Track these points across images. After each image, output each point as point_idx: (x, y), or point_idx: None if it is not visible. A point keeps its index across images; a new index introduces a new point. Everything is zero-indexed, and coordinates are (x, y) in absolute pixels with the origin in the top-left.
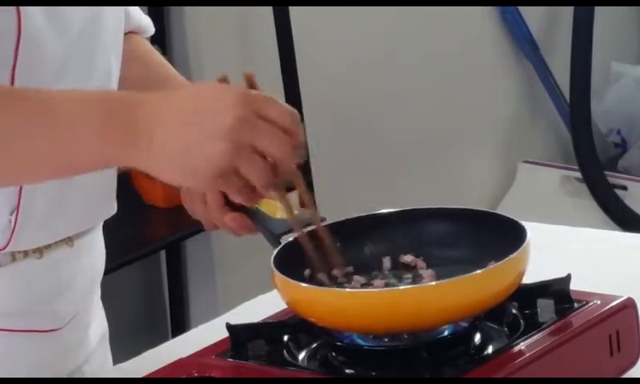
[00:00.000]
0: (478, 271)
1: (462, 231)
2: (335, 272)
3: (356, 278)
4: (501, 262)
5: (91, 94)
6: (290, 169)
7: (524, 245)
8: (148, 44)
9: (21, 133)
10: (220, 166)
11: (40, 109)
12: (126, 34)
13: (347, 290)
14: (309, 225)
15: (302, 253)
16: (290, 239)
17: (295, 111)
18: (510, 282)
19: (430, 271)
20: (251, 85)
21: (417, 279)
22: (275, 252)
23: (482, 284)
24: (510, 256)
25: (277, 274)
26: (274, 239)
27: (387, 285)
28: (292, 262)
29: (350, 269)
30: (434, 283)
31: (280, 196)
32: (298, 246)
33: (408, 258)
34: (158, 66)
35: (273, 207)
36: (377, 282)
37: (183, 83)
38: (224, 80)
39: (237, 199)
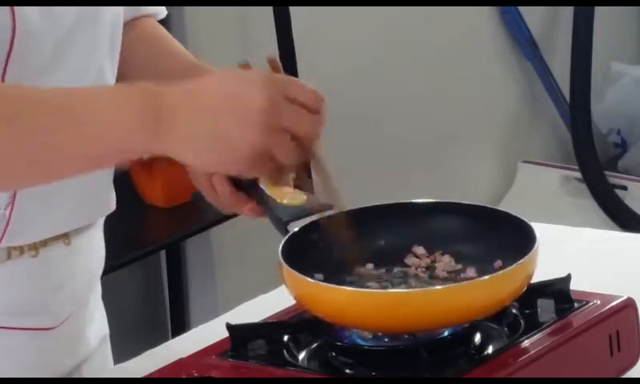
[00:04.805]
0: (486, 277)
1: (470, 227)
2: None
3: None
4: (509, 268)
5: (108, 87)
6: (316, 147)
7: (533, 249)
8: (158, 25)
9: (45, 133)
10: (257, 149)
11: (60, 106)
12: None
13: (354, 288)
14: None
15: (308, 245)
16: (297, 228)
17: (318, 91)
18: (517, 286)
19: (446, 258)
20: (274, 68)
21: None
22: (282, 243)
23: (490, 289)
24: (519, 262)
25: (285, 266)
26: (282, 226)
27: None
28: (299, 255)
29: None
30: (440, 288)
31: (302, 177)
32: (304, 238)
33: (419, 251)
34: (164, 44)
35: (279, 193)
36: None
37: (189, 60)
38: (246, 66)
39: (265, 181)
